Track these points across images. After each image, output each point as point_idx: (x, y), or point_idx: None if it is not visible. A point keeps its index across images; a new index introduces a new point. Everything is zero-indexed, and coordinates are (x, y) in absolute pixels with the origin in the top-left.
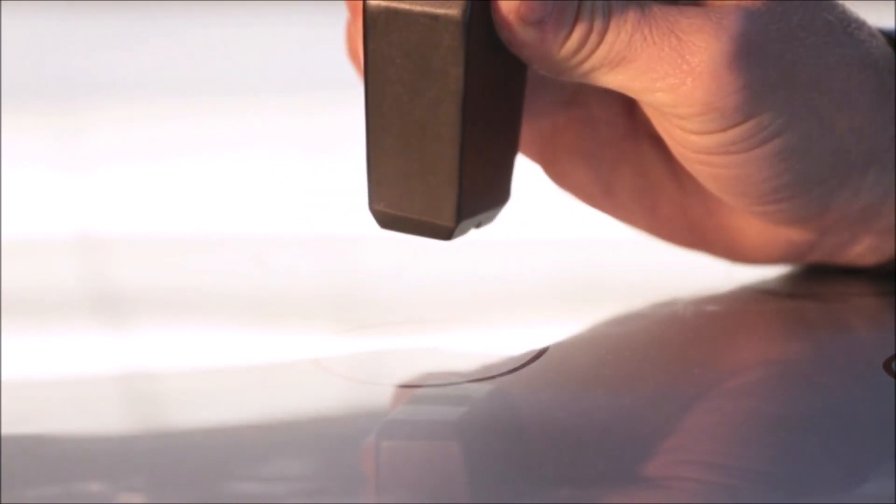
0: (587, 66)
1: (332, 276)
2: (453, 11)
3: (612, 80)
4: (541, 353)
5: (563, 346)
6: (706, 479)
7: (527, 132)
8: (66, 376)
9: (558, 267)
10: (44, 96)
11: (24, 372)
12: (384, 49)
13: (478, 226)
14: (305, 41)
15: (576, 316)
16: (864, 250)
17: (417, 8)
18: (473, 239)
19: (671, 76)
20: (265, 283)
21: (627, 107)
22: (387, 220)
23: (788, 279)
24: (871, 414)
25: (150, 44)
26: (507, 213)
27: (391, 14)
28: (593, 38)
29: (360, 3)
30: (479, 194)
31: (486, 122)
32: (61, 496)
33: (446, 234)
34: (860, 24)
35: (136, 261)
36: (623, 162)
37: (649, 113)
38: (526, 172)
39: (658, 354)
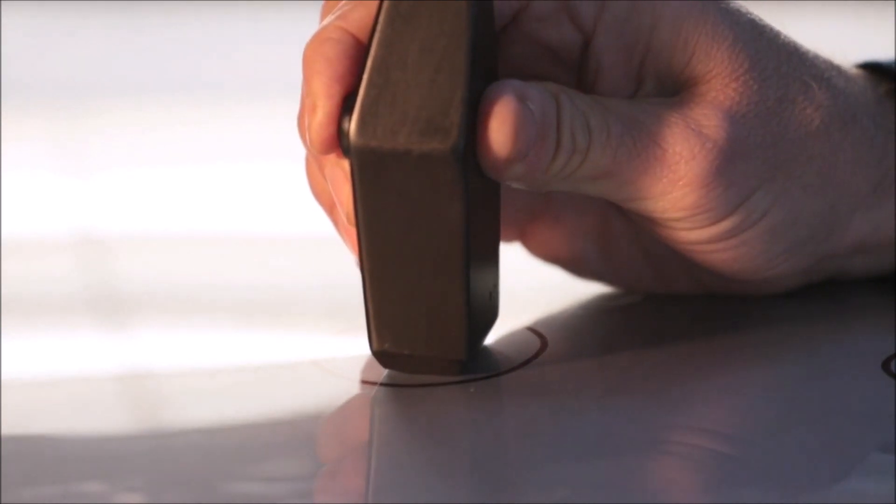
0: (571, 180)
1: (331, 277)
2: (445, 146)
3: (598, 190)
4: (540, 352)
5: (561, 343)
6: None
7: (505, 217)
8: (66, 376)
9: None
10: (44, 97)
11: (24, 372)
12: (376, 191)
13: (476, 353)
14: (306, 40)
15: (574, 311)
16: (858, 270)
17: (405, 146)
18: None
19: (657, 186)
20: (265, 283)
21: None
22: (392, 361)
23: None
24: (871, 414)
25: (150, 44)
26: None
27: (380, 156)
28: (576, 158)
29: (323, 149)
30: (481, 319)
31: (480, 243)
32: (60, 496)
33: (457, 368)
34: (835, 71)
35: (136, 261)
36: (608, 234)
37: (634, 215)
38: None
39: (656, 354)
